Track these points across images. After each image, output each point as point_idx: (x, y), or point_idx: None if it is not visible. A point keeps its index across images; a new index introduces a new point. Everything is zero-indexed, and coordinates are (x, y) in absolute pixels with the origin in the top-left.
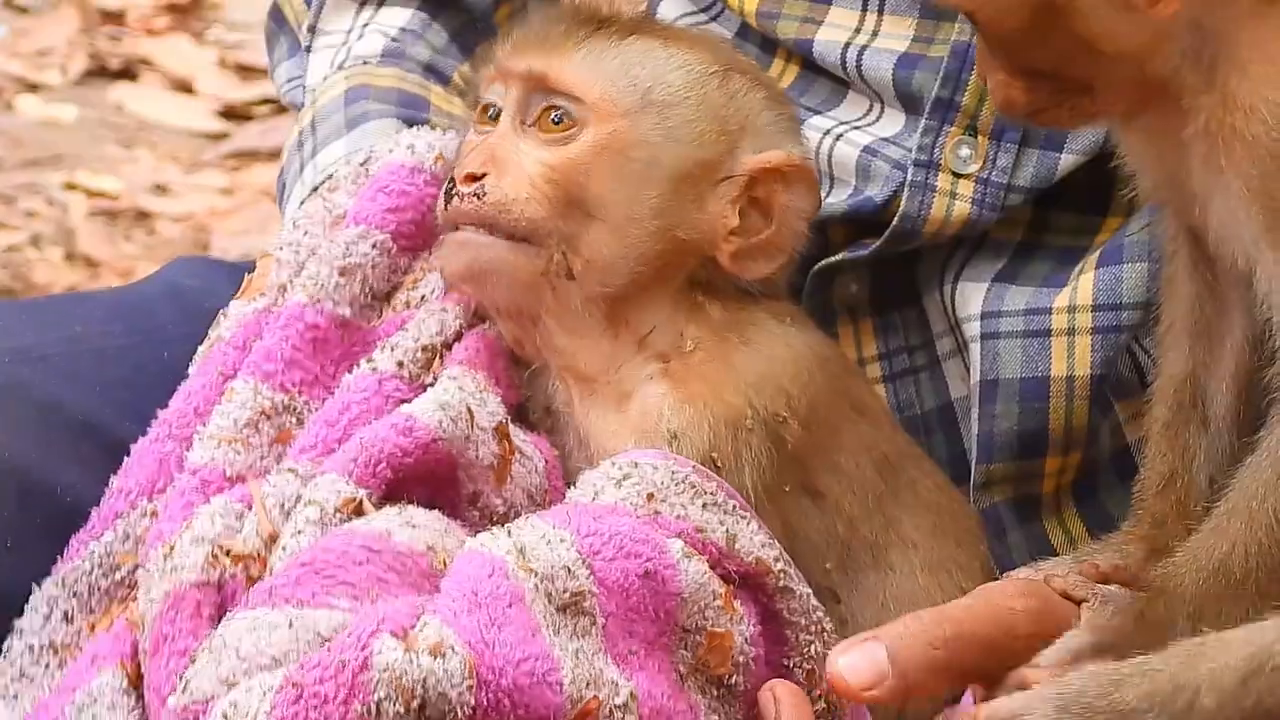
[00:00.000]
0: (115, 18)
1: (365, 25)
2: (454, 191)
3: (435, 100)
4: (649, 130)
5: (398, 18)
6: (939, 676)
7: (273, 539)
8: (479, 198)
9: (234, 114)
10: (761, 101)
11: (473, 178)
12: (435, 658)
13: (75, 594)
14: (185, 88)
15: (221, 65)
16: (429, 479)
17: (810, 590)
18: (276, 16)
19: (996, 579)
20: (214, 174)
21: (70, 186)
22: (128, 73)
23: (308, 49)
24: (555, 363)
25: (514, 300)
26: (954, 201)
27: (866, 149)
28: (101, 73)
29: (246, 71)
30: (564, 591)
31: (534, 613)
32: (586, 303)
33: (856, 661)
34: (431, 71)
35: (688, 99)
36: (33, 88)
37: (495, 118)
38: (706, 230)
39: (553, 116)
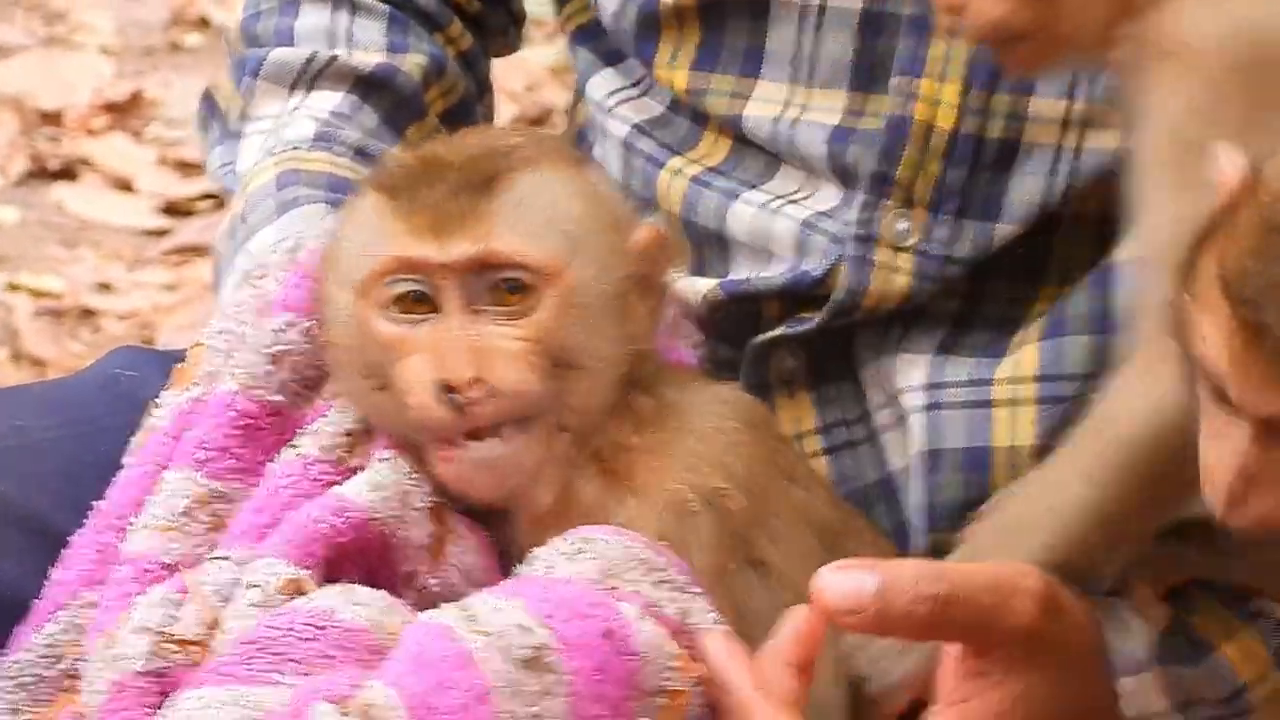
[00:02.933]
0: (53, 119)
1: (295, 110)
2: (462, 400)
3: None
4: (586, 269)
5: (328, 101)
6: (917, 629)
7: (213, 625)
8: (493, 397)
9: (176, 210)
10: (609, 183)
11: (476, 380)
12: None
13: (21, 685)
14: (126, 186)
15: (161, 162)
16: (362, 559)
17: None
18: (208, 103)
19: None
20: (158, 270)
21: (14, 287)
22: (68, 173)
23: (238, 135)
24: (519, 505)
25: (524, 484)
26: (894, 275)
27: (804, 223)
28: (41, 173)
29: (187, 168)
30: (522, 647)
31: (485, 672)
32: (569, 448)
33: (843, 584)
34: (361, 155)
35: (593, 223)
36: None
37: (419, 301)
38: (642, 333)
39: (506, 287)
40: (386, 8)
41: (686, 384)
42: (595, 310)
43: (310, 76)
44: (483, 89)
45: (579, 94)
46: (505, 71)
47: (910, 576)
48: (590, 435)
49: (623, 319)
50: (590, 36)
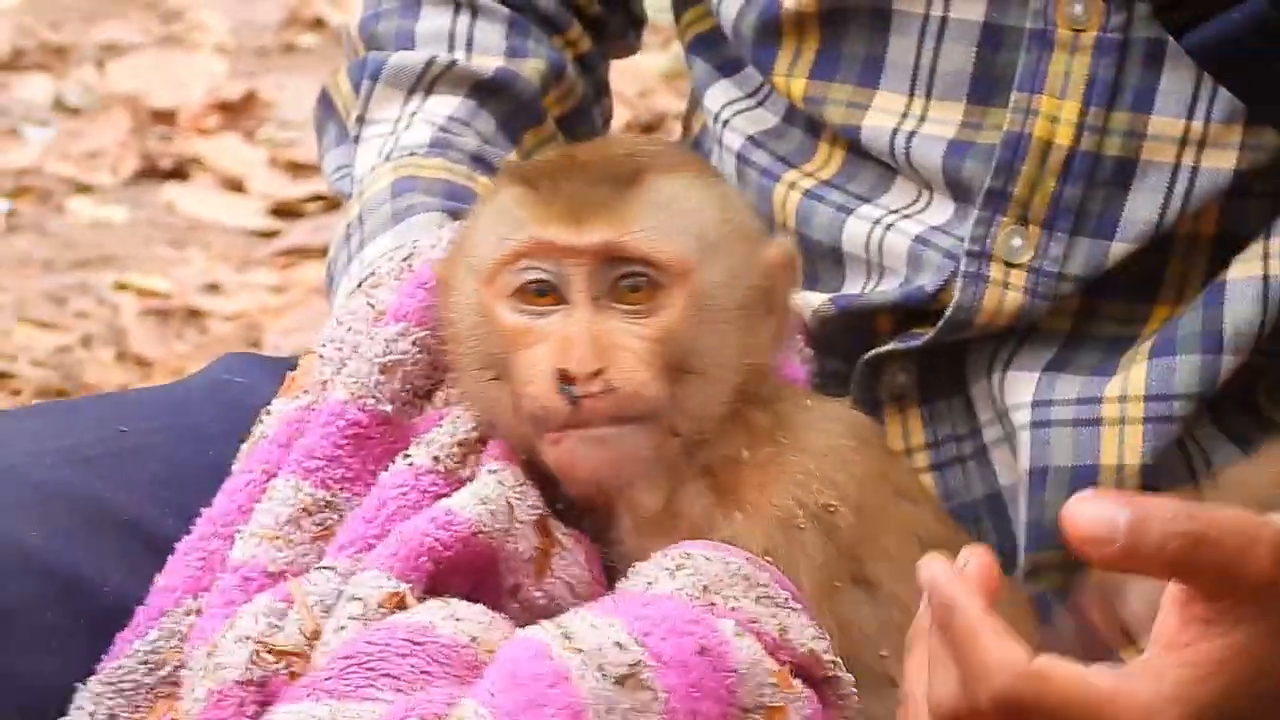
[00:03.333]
0: (166, 118)
1: (413, 114)
2: (580, 392)
3: (480, 191)
4: (715, 276)
5: (445, 106)
6: (1162, 566)
7: (315, 635)
8: (610, 392)
9: (285, 212)
10: (743, 197)
11: (596, 374)
12: None
13: (120, 692)
14: (236, 186)
15: (272, 164)
16: (469, 572)
17: (852, 678)
18: (325, 103)
19: None
20: (265, 272)
21: (121, 287)
22: (179, 172)
23: (355, 139)
24: (624, 509)
25: (631, 479)
26: (1007, 291)
27: (918, 238)
28: (152, 173)
29: (297, 169)
30: (617, 664)
31: (581, 690)
32: (681, 454)
33: (1096, 514)
34: (478, 161)
35: (726, 231)
36: (84, 189)
37: (543, 294)
38: (763, 347)
39: (629, 284)
40: (507, 11)
41: (799, 400)
42: (720, 318)
43: (429, 81)
44: (600, 92)
45: (695, 103)
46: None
47: (1163, 512)
48: (702, 445)
49: (746, 331)
50: (708, 45)
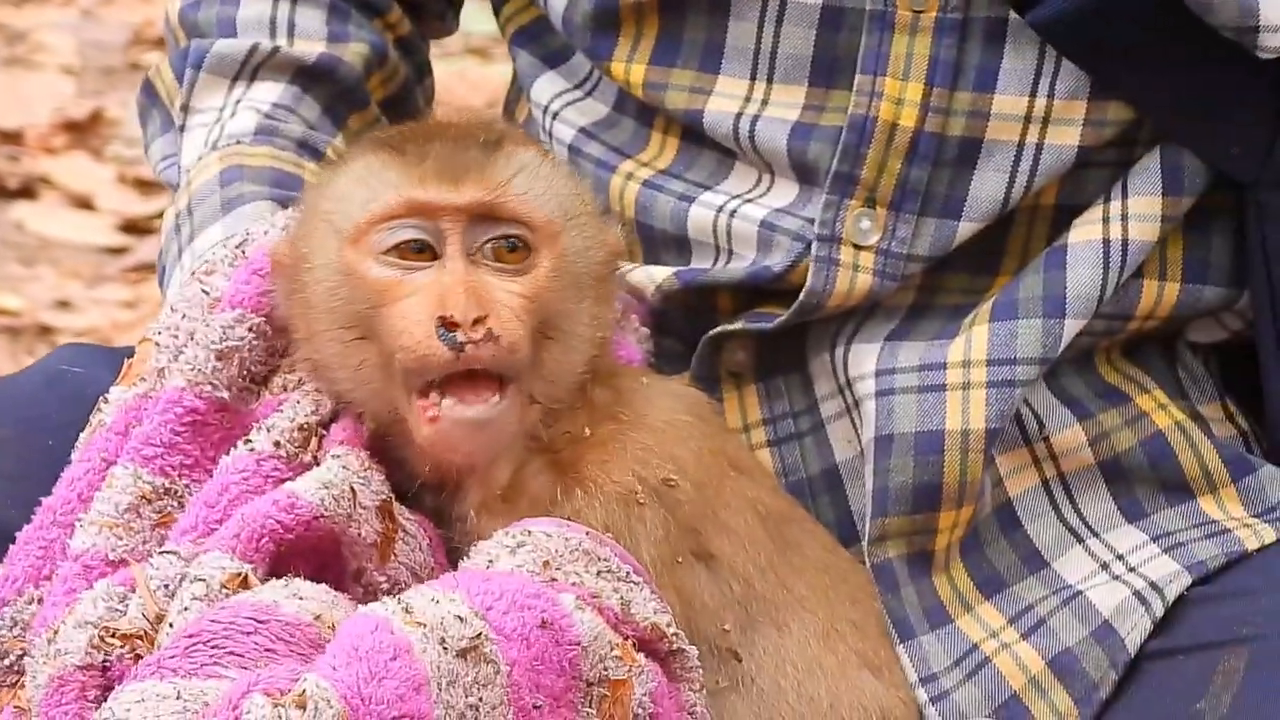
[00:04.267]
0: (13, 138)
1: (238, 102)
2: (463, 339)
3: (308, 178)
4: (576, 244)
5: (270, 93)
6: None
7: (159, 619)
8: (491, 341)
9: (134, 228)
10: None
11: (477, 321)
12: (303, 711)
13: None
14: (85, 204)
15: (120, 181)
16: (312, 555)
17: (696, 651)
18: (149, 92)
19: (890, 635)
20: (116, 288)
21: None
22: (27, 191)
23: (181, 128)
24: (470, 482)
25: (494, 455)
26: (857, 274)
27: (764, 223)
28: (1, 192)
29: (146, 186)
30: (459, 638)
31: (423, 663)
32: (533, 425)
33: None
34: (305, 147)
35: (581, 204)
36: None
37: (420, 251)
38: (610, 320)
39: (504, 244)
40: None
41: (636, 377)
42: (580, 284)
43: (252, 68)
44: (422, 74)
45: (518, 95)
46: (467, 90)
47: None
48: (547, 420)
49: (598, 301)
50: (531, 38)
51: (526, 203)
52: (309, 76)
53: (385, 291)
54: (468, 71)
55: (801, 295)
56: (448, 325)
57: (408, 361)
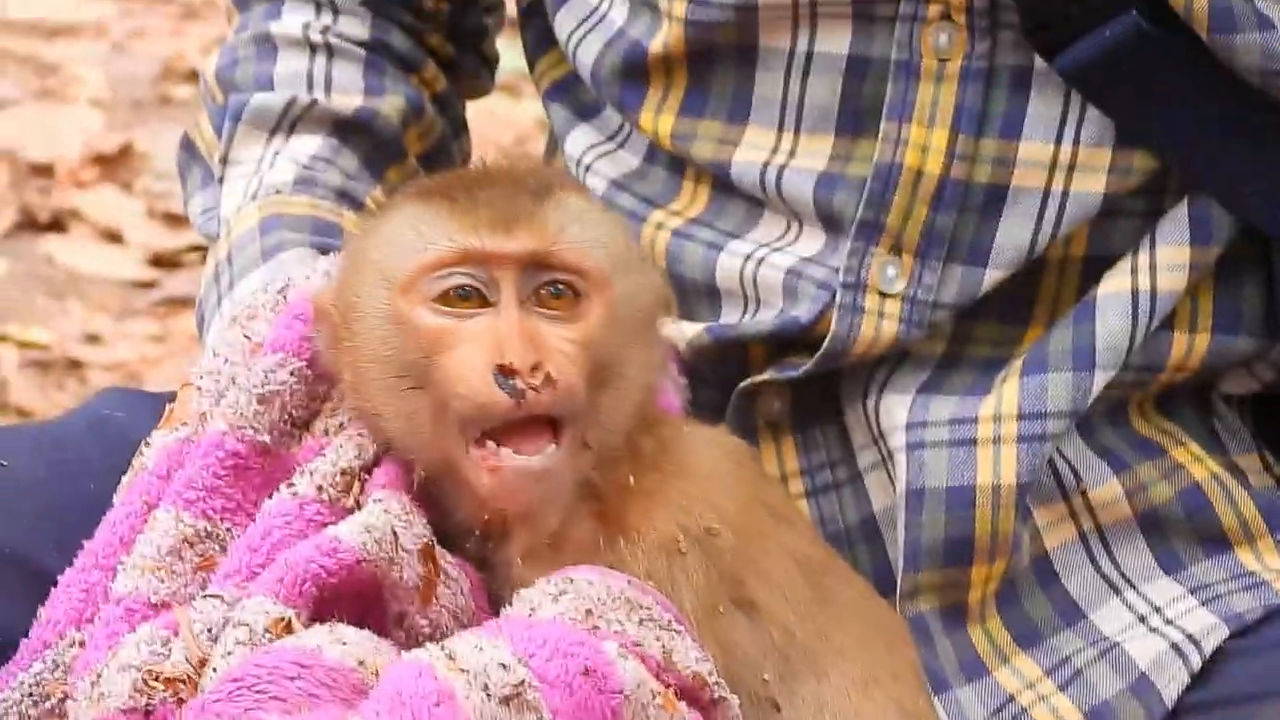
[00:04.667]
0: (44, 171)
1: (276, 154)
2: (521, 385)
3: (349, 226)
4: (625, 291)
5: (308, 145)
6: None
7: (202, 663)
8: (550, 386)
9: (163, 262)
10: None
11: (535, 367)
12: None
13: None
14: (115, 238)
15: (150, 215)
16: (354, 599)
17: (738, 700)
18: (188, 148)
19: (926, 683)
20: (145, 322)
21: (1, 339)
22: (57, 225)
23: (220, 180)
24: (520, 529)
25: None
26: (882, 321)
27: (790, 270)
28: (31, 225)
29: (175, 220)
30: (502, 685)
31: (466, 710)
32: (584, 472)
33: None
34: (344, 197)
35: (629, 251)
36: None
37: (466, 297)
38: (656, 370)
39: (555, 291)
40: (363, 52)
41: (677, 426)
42: (630, 329)
43: (290, 121)
44: (458, 130)
45: (554, 147)
46: (496, 127)
47: None
48: (602, 465)
49: (646, 349)
50: (565, 91)
51: (578, 250)
52: (347, 129)
53: (439, 339)
54: (497, 108)
55: (826, 342)
56: (506, 372)
57: (465, 410)
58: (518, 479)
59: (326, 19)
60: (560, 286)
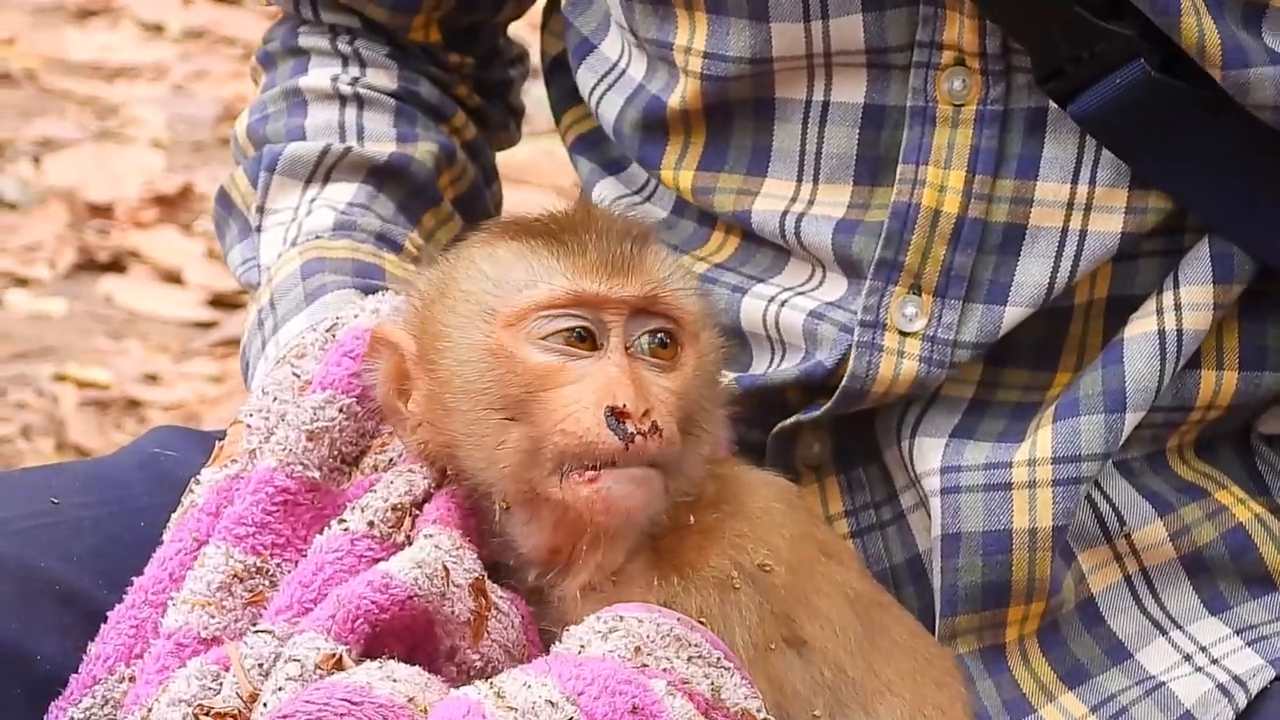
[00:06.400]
0: (104, 211)
1: (313, 201)
2: (633, 429)
3: (390, 267)
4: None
5: (344, 192)
6: None
7: (253, 698)
8: (659, 435)
9: (222, 303)
10: None
11: (645, 414)
12: None
13: None
14: (174, 278)
15: (209, 255)
16: (406, 635)
17: None
18: (224, 202)
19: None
20: (203, 362)
21: (60, 378)
22: (116, 265)
23: (258, 229)
24: (584, 563)
25: (645, 522)
26: (901, 360)
27: (812, 313)
28: (90, 266)
29: None
30: None
31: None
32: (659, 515)
33: None
34: (383, 240)
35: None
36: (22, 282)
37: (582, 340)
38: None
39: (658, 340)
40: (393, 101)
41: (731, 467)
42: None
43: (326, 169)
44: (490, 177)
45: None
46: (554, 168)
47: None
48: (673, 509)
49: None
50: (591, 145)
51: (680, 299)
52: (381, 175)
53: (546, 376)
54: (555, 150)
55: (844, 380)
56: (619, 415)
57: (570, 446)
58: (626, 488)
59: (354, 71)
60: (663, 336)
